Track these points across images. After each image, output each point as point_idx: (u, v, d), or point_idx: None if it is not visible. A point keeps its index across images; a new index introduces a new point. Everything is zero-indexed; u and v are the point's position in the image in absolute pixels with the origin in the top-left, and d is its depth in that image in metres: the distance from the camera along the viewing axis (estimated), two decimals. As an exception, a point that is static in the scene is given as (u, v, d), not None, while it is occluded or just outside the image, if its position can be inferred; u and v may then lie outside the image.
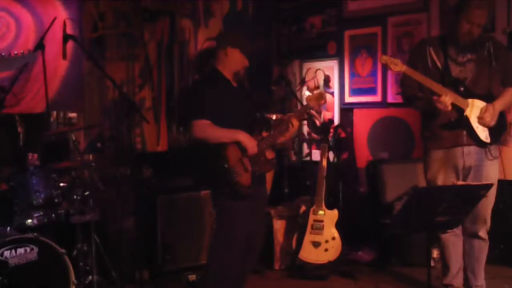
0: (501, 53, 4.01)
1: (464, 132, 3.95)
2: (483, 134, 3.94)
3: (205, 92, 3.73)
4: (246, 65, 3.87)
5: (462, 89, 3.91)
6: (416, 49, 4.22)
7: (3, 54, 3.61)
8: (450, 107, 3.82)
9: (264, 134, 3.86)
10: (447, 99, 3.79)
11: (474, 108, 3.92)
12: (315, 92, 3.97)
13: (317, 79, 6.23)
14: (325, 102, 4.01)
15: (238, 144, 3.66)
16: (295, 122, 3.86)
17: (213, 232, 3.90)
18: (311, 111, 5.33)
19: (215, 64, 3.87)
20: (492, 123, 3.92)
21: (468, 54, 3.98)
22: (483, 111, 3.90)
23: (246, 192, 3.67)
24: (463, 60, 3.98)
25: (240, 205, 3.70)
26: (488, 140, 3.95)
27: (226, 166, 3.61)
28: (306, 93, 3.95)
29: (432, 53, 3.99)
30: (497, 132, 3.99)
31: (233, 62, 3.82)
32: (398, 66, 3.81)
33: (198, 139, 3.70)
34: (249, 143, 3.68)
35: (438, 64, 3.97)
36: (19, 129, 4.11)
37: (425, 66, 3.99)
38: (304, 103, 4.21)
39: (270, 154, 3.99)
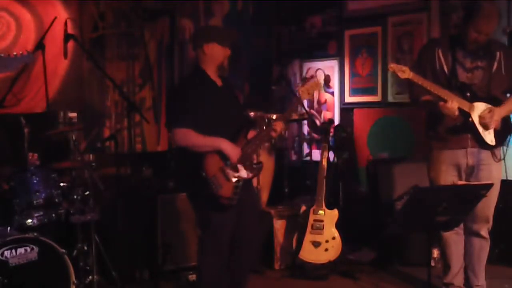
0: (511, 63, 3.99)
1: (469, 136, 3.96)
2: (488, 137, 3.94)
3: (187, 96, 3.59)
4: (227, 54, 3.73)
5: (468, 94, 3.91)
6: (424, 50, 4.19)
7: (2, 54, 3.60)
8: (457, 113, 3.83)
9: (250, 135, 3.76)
10: (454, 105, 3.80)
11: (477, 111, 3.92)
12: (308, 83, 3.79)
13: (317, 79, 6.23)
14: (320, 88, 3.84)
15: (219, 153, 3.54)
16: (279, 127, 3.71)
17: (198, 238, 3.82)
18: (311, 110, 5.31)
19: (198, 63, 3.74)
20: (492, 125, 3.91)
21: (478, 61, 3.97)
22: (483, 113, 3.90)
23: (227, 204, 3.55)
24: (471, 66, 3.97)
25: (222, 216, 3.60)
26: (494, 143, 3.95)
27: (204, 175, 3.49)
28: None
29: (441, 55, 3.98)
30: (502, 135, 3.99)
31: (214, 56, 3.69)
32: (406, 73, 3.80)
33: (181, 147, 3.60)
34: (232, 152, 3.55)
35: (445, 68, 3.96)
36: (25, 130, 4.11)
37: (433, 68, 3.99)
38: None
39: (261, 156, 3.90)
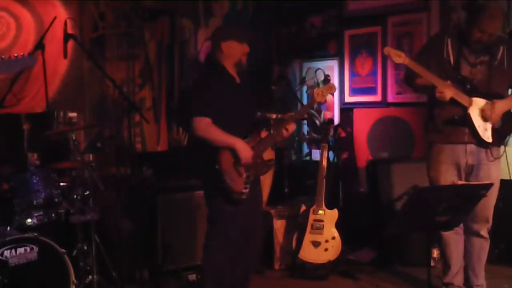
0: None
1: (466, 130, 3.95)
2: (485, 133, 3.93)
3: (209, 88, 3.71)
4: (246, 50, 3.82)
5: (468, 86, 3.92)
6: (435, 38, 4.23)
7: (3, 56, 3.59)
8: (448, 98, 3.84)
9: (263, 134, 3.84)
10: (446, 91, 3.82)
11: (476, 107, 3.92)
12: (324, 85, 3.88)
13: (317, 79, 6.23)
14: (335, 90, 3.94)
15: (232, 150, 3.64)
16: (291, 127, 3.82)
17: (206, 233, 3.87)
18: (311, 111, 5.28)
19: (217, 59, 3.83)
20: (494, 120, 3.91)
21: (481, 56, 3.97)
22: (483, 109, 3.90)
23: (238, 198, 3.65)
24: (475, 61, 3.98)
25: (233, 209, 3.68)
26: (490, 140, 3.94)
27: (218, 169, 3.60)
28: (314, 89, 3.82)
29: (449, 45, 3.98)
30: (501, 133, 3.98)
31: (232, 54, 3.78)
32: (401, 58, 3.83)
33: (198, 137, 3.68)
34: (244, 153, 3.65)
35: (451, 59, 3.98)
36: (25, 126, 4.11)
37: (439, 56, 3.99)
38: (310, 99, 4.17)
39: (268, 155, 3.97)
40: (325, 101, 4.05)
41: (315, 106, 6.26)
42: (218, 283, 3.74)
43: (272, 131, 3.89)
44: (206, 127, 3.64)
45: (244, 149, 3.66)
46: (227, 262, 3.75)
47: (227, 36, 3.78)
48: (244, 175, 3.66)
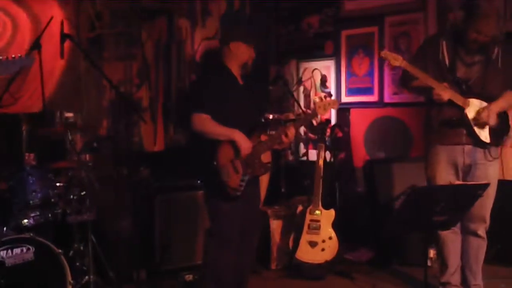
0: (509, 58, 4.00)
1: (464, 131, 3.96)
2: (482, 134, 3.94)
3: (209, 86, 3.72)
4: (252, 56, 3.84)
5: (464, 87, 3.93)
6: (430, 39, 4.26)
7: (0, 58, 3.58)
8: (445, 100, 3.87)
9: (263, 137, 3.82)
10: (444, 94, 3.84)
11: (473, 108, 3.93)
12: (327, 99, 3.81)
13: (313, 79, 6.23)
14: (337, 107, 3.89)
15: (232, 143, 3.65)
16: (291, 133, 3.74)
17: (205, 232, 3.90)
18: (308, 110, 5.27)
19: (222, 59, 3.84)
20: (491, 122, 3.92)
21: (477, 56, 3.98)
22: (479, 112, 3.90)
23: (233, 194, 3.66)
24: (471, 61, 3.99)
25: (229, 206, 3.70)
26: (488, 140, 3.95)
27: (215, 164, 3.62)
28: (315, 99, 3.72)
29: (444, 47, 4.00)
30: (498, 133, 3.99)
31: (239, 55, 3.80)
32: (398, 61, 3.86)
33: (196, 132, 3.70)
34: (244, 144, 3.66)
35: (447, 60, 3.99)
36: (23, 127, 4.11)
37: (435, 57, 4.01)
38: (311, 108, 4.15)
39: (265, 158, 3.97)
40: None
41: (308, 104, 6.30)
42: (217, 282, 3.75)
43: (270, 132, 3.90)
44: (203, 122, 3.66)
45: (243, 140, 3.66)
46: (226, 261, 3.76)
47: (237, 37, 3.80)
48: (241, 172, 3.67)
